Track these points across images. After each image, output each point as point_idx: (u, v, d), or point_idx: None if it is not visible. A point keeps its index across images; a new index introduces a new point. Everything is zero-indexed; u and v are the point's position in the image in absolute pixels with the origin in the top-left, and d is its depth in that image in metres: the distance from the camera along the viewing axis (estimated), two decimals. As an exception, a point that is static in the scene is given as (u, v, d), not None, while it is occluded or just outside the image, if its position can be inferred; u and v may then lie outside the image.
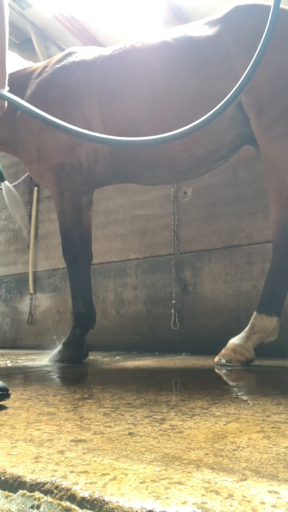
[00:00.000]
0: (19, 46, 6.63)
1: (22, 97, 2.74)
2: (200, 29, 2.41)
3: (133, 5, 4.68)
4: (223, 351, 2.35)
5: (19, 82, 2.80)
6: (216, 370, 2.14)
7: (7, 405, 1.22)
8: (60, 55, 2.81)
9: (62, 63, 2.72)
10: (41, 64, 2.91)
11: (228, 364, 2.28)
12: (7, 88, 1.78)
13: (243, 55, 2.22)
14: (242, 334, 2.33)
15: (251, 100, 2.24)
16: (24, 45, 6.53)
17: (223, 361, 2.30)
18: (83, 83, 2.59)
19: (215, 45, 2.31)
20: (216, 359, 2.36)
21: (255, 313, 2.31)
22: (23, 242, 4.68)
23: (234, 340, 2.33)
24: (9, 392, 1.25)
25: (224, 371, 2.11)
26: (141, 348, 3.54)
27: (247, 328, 2.33)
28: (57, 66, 2.73)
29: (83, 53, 2.73)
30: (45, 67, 2.80)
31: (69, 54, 2.76)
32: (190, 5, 4.58)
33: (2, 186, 2.63)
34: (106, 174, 2.73)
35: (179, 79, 2.37)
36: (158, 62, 2.43)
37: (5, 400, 1.25)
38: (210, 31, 2.37)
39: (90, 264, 2.87)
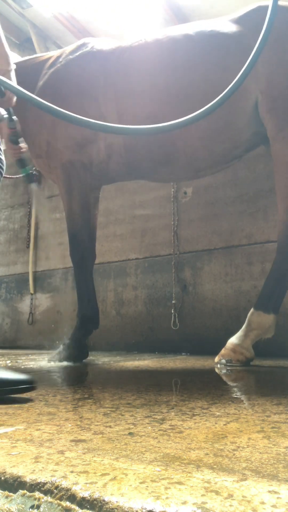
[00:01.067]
0: (19, 46, 6.63)
1: (33, 87, 2.67)
2: (223, 25, 2.38)
3: (133, 5, 4.68)
4: (222, 351, 2.34)
5: (31, 71, 2.72)
6: (216, 370, 2.14)
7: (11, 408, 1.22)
8: (74, 45, 2.71)
9: (77, 53, 2.62)
10: (55, 53, 2.80)
11: (228, 364, 2.28)
12: (13, 72, 1.70)
13: (264, 54, 2.22)
14: (239, 333, 2.33)
15: (267, 99, 2.24)
16: (24, 45, 6.52)
17: (223, 361, 2.30)
18: (99, 75, 2.50)
19: (237, 41, 2.29)
20: (216, 359, 2.36)
21: (252, 309, 2.31)
22: (23, 242, 4.68)
23: (233, 340, 2.33)
24: (34, 385, 1.35)
25: (224, 371, 2.11)
26: (141, 348, 3.54)
27: (244, 326, 2.32)
28: (71, 56, 2.63)
29: (99, 44, 2.63)
30: (58, 57, 2.70)
31: (84, 45, 2.66)
32: (190, 4, 4.58)
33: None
34: (120, 171, 2.67)
35: (201, 73, 2.33)
36: (180, 55, 2.38)
37: (31, 391, 1.36)
38: (232, 27, 2.34)
39: (93, 265, 2.87)
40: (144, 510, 0.53)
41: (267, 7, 2.32)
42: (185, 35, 2.41)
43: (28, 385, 1.34)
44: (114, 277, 3.86)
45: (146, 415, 1.08)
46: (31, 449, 0.79)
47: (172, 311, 3.41)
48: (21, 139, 2.45)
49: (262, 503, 0.54)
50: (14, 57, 2.48)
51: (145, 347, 3.52)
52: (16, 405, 1.23)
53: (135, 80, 2.45)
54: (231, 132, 2.37)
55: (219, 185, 3.38)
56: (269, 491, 0.58)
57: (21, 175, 2.73)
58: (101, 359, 2.83)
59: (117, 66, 2.49)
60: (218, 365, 2.30)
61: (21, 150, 2.44)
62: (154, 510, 0.53)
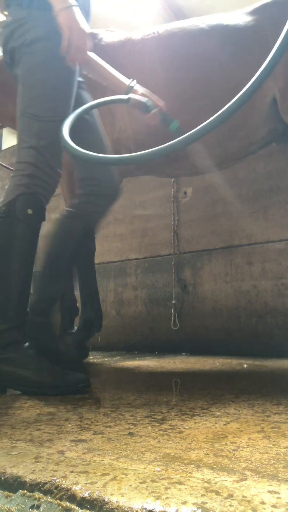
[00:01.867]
0: (19, 46, 6.61)
1: None
2: (239, 17, 2.33)
3: (133, 4, 4.68)
4: None
5: None
6: (216, 370, 2.14)
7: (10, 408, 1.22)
8: None
9: None
10: None
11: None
12: (77, 9, 1.50)
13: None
14: None
15: (285, 98, 2.20)
16: (24, 45, 6.52)
17: None
18: None
19: (254, 33, 2.24)
20: None
21: None
22: (23, 242, 4.67)
23: None
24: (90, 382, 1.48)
25: (234, 371, 2.11)
26: (141, 348, 3.54)
27: None
28: None
29: (108, 36, 2.56)
30: None
31: (93, 37, 2.53)
32: (190, 5, 4.58)
33: None
34: (129, 166, 2.64)
35: (218, 67, 2.29)
36: (195, 48, 2.33)
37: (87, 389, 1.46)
38: (248, 20, 2.29)
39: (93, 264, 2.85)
40: (144, 510, 0.53)
41: (282, 1, 2.29)
42: (200, 28, 2.35)
43: (86, 384, 1.46)
44: (114, 277, 3.86)
45: (146, 415, 1.08)
46: (31, 449, 0.79)
47: (172, 311, 3.41)
48: (150, 105, 2.26)
49: (262, 503, 0.54)
50: None
51: (145, 347, 3.52)
52: (16, 405, 1.23)
53: (148, 73, 2.38)
54: (247, 130, 2.32)
55: (219, 185, 3.38)
56: (269, 491, 0.58)
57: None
58: (101, 359, 2.83)
59: (128, 59, 2.42)
60: None
61: (155, 114, 2.22)
62: (154, 510, 0.53)
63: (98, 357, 3.00)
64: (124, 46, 2.48)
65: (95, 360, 2.77)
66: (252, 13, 2.32)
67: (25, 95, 1.57)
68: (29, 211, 1.52)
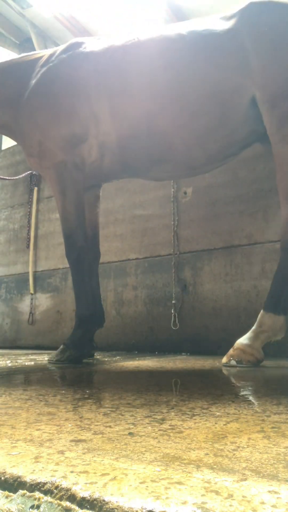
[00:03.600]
0: (19, 46, 6.63)
1: (26, 85, 2.67)
2: (216, 23, 2.38)
3: (133, 5, 4.68)
4: (231, 351, 2.30)
5: (23, 68, 2.72)
6: (224, 371, 2.14)
7: (7, 406, 1.22)
8: (66, 44, 2.70)
9: (69, 53, 2.61)
10: (47, 51, 2.79)
11: (238, 365, 2.24)
12: None
13: (258, 49, 2.21)
14: (249, 334, 2.29)
15: (265, 96, 2.22)
16: (24, 45, 6.52)
17: (233, 362, 2.25)
18: (92, 75, 2.50)
19: (231, 38, 2.28)
20: (225, 360, 2.29)
21: (262, 311, 2.28)
22: (23, 242, 4.68)
23: (243, 340, 2.30)
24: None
25: (234, 371, 2.11)
26: (141, 348, 3.54)
27: (254, 327, 2.30)
28: (63, 56, 2.62)
29: (92, 43, 2.63)
30: (51, 55, 2.69)
31: (76, 44, 2.65)
32: (190, 5, 4.58)
33: None
34: (114, 168, 2.66)
35: (194, 71, 2.33)
36: (173, 53, 2.38)
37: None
38: (226, 25, 2.33)
39: (97, 263, 2.85)
40: (144, 510, 0.53)
41: (259, 3, 2.33)
42: (178, 34, 2.41)
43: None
44: (114, 277, 3.86)
45: (146, 415, 1.08)
46: (31, 449, 0.79)
47: (172, 311, 3.41)
48: None
49: (262, 503, 0.54)
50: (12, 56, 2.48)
51: (145, 347, 3.52)
52: (16, 405, 1.23)
53: (129, 78, 2.45)
54: (224, 131, 2.36)
55: (219, 185, 3.38)
56: (269, 491, 0.58)
57: (20, 176, 2.70)
58: (101, 359, 2.83)
59: (110, 65, 2.49)
60: (228, 366, 2.25)
61: None
62: (154, 510, 0.53)
63: (98, 357, 3.00)
64: (106, 52, 2.56)
65: (95, 360, 2.77)
66: (229, 17, 2.36)
67: None
68: None
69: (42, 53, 2.84)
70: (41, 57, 2.77)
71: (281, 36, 2.22)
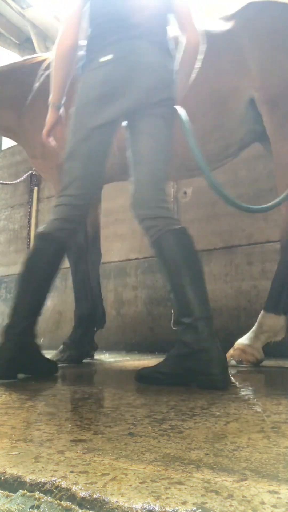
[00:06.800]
0: (19, 46, 6.62)
1: (30, 87, 2.68)
2: (215, 24, 2.37)
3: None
4: (231, 351, 2.31)
5: (27, 71, 2.73)
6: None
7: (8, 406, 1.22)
8: None
9: None
10: (50, 54, 2.75)
11: (238, 365, 2.25)
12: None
13: (256, 51, 2.21)
14: (250, 334, 2.30)
15: (265, 97, 2.22)
16: (24, 45, 6.52)
17: (233, 362, 2.26)
18: None
19: (229, 40, 2.27)
20: None
21: (262, 312, 2.29)
22: (23, 242, 4.68)
23: (243, 340, 2.30)
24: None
25: (234, 371, 2.11)
26: (141, 348, 3.54)
27: (254, 327, 2.30)
28: None
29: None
30: None
31: (80, 47, 2.69)
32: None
33: None
34: (114, 170, 2.67)
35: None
36: None
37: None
38: (225, 26, 2.33)
39: (99, 263, 2.85)
40: (144, 510, 0.53)
41: (258, 3, 2.33)
42: (177, 36, 2.42)
43: None
44: (114, 277, 3.86)
45: (146, 415, 1.08)
46: (31, 449, 0.79)
47: (172, 311, 3.41)
48: None
49: (262, 503, 0.54)
50: (14, 57, 2.48)
51: (145, 347, 3.52)
52: (16, 405, 1.23)
53: None
54: (221, 132, 2.36)
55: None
56: (269, 491, 0.58)
57: (21, 179, 2.72)
58: (101, 359, 2.83)
59: None
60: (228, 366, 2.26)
61: None
62: (154, 510, 0.53)
63: (98, 357, 3.00)
64: None
65: (95, 360, 2.77)
66: (229, 18, 2.36)
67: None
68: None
69: (45, 56, 2.85)
70: (44, 60, 2.78)
71: (280, 36, 2.22)
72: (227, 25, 2.33)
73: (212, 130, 2.35)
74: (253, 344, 2.25)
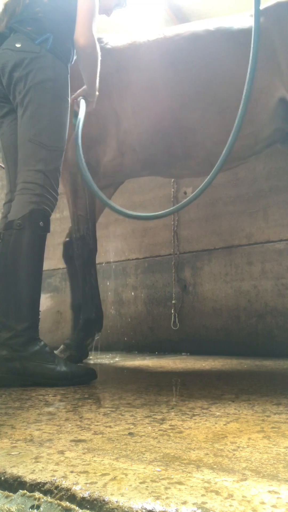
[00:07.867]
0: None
1: None
2: (244, 20, 2.35)
3: (133, 4, 4.68)
4: None
5: None
6: (216, 370, 2.14)
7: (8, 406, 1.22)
8: None
9: None
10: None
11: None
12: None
13: (287, 51, 2.20)
14: None
15: None
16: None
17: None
18: (113, 72, 2.45)
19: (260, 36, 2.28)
20: None
21: None
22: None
23: None
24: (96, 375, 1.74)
25: (234, 371, 2.11)
26: (141, 348, 3.54)
27: None
28: None
29: (114, 39, 2.59)
30: None
31: (98, 41, 2.63)
32: (190, 5, 4.57)
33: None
34: (135, 166, 2.62)
35: (223, 68, 2.31)
36: (202, 49, 2.36)
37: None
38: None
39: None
40: (144, 510, 0.53)
41: (285, 2, 2.31)
42: (206, 30, 2.38)
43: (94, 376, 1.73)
44: (114, 277, 3.86)
45: (146, 415, 1.08)
46: (31, 449, 0.79)
47: (172, 311, 3.41)
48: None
49: (262, 503, 0.54)
50: None
51: (145, 347, 3.52)
52: (16, 405, 1.23)
53: (152, 75, 2.41)
54: (251, 128, 2.33)
55: (219, 185, 3.38)
56: (269, 491, 0.58)
57: None
58: (101, 359, 2.83)
59: (133, 61, 2.45)
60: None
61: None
62: (154, 510, 0.53)
63: (98, 357, 3.00)
64: (129, 49, 2.50)
65: (95, 360, 2.77)
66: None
67: (33, 125, 1.79)
68: (41, 224, 1.75)
69: None
70: None
71: None
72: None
73: (243, 126, 2.33)
74: None
